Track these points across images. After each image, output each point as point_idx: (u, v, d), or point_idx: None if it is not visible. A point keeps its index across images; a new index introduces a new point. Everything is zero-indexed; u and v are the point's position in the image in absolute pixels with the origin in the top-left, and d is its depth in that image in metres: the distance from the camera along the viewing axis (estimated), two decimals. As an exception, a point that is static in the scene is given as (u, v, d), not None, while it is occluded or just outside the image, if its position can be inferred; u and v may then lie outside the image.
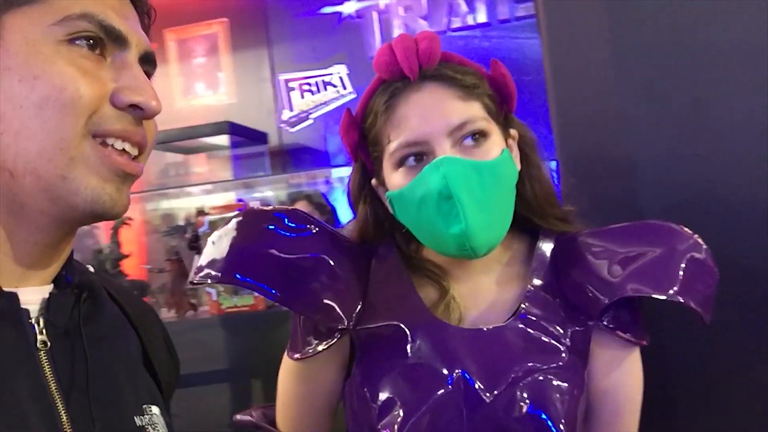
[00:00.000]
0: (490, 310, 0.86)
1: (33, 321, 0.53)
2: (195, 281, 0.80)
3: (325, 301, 0.80)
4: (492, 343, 0.81)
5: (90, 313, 0.57)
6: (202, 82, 4.06)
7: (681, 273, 0.79)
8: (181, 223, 2.07)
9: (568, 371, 0.80)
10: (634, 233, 0.86)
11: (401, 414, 0.76)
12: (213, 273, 0.78)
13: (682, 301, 0.78)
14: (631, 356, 0.86)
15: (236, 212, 0.86)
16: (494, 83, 0.85)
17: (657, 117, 1.11)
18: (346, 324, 0.81)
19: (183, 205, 2.97)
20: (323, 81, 3.94)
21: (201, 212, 1.66)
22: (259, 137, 3.45)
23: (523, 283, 0.86)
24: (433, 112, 0.78)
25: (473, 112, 0.80)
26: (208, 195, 3.16)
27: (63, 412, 0.51)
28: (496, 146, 0.81)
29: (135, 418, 0.57)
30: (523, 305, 0.84)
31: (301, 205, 2.35)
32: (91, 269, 0.64)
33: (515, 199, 0.86)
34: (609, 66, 1.14)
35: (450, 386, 0.78)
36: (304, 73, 3.92)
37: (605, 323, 0.84)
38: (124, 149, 0.54)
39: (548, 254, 0.88)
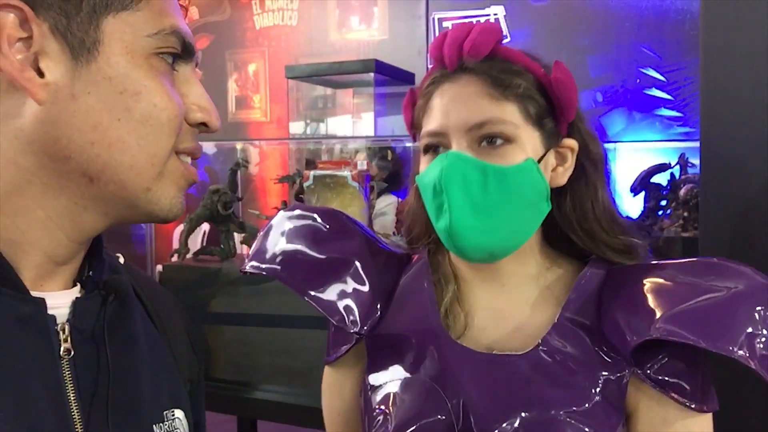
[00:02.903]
0: (514, 334, 0.78)
1: (59, 328, 0.53)
2: (243, 270, 0.84)
3: (346, 303, 0.80)
4: (502, 371, 0.74)
5: (115, 316, 0.57)
6: (356, 16, 4.04)
7: (739, 323, 0.66)
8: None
9: (593, 419, 0.70)
10: (696, 271, 0.72)
11: (390, 429, 0.74)
12: (256, 264, 0.82)
13: (730, 355, 0.65)
14: (691, 422, 0.72)
15: (283, 209, 0.89)
16: (551, 87, 0.76)
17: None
18: (359, 328, 0.80)
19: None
20: (478, 22, 3.77)
21: (310, 164, 1.66)
22: (406, 77, 3.39)
23: (559, 311, 0.77)
24: (457, 106, 0.75)
25: (500, 113, 0.74)
26: (352, 140, 3.20)
27: (79, 423, 0.52)
28: (521, 153, 0.74)
29: (154, 426, 0.58)
30: (548, 335, 0.74)
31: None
32: (121, 259, 0.64)
33: (559, 217, 0.80)
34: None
35: (444, 414, 0.72)
36: (459, 12, 3.78)
37: (648, 373, 0.71)
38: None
39: (594, 285, 0.77)
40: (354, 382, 0.85)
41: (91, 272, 0.57)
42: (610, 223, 0.80)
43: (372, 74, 3.35)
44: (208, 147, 3.16)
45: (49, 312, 0.52)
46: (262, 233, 0.86)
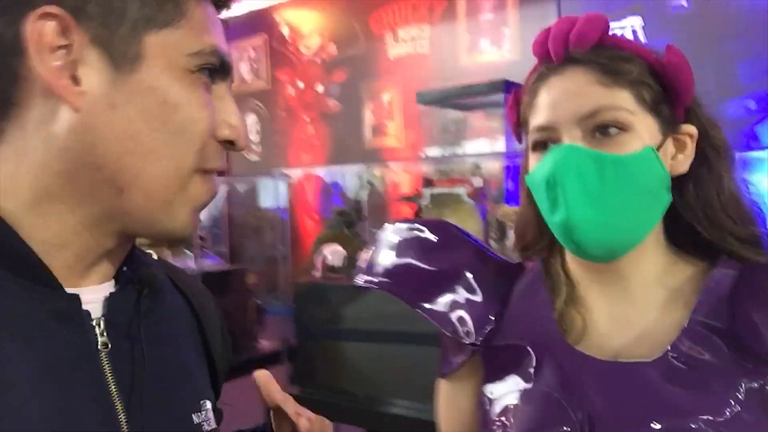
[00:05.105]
0: (640, 340, 0.73)
1: (94, 323, 0.54)
2: (356, 284, 0.86)
3: (459, 314, 0.79)
4: (629, 380, 0.69)
5: (150, 310, 0.58)
6: (487, 38, 4.06)
7: None
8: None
9: (736, 429, 0.64)
10: None
11: None
12: (368, 278, 0.84)
13: None
14: None
15: (395, 222, 0.91)
16: (664, 72, 0.72)
17: None
18: (474, 339, 0.79)
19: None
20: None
21: (428, 183, 1.68)
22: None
23: (688, 314, 0.72)
24: (566, 98, 0.72)
25: (613, 100, 0.71)
26: (483, 158, 3.19)
27: (122, 415, 0.53)
28: (638, 141, 0.71)
29: (193, 416, 0.59)
30: (677, 341, 0.70)
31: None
32: (155, 256, 0.65)
33: (681, 207, 0.75)
34: None
35: (569, 426, 0.69)
36: (593, 27, 3.67)
37: None
38: None
39: (726, 286, 0.72)
40: (470, 394, 0.84)
41: (125, 267, 0.58)
42: (736, 211, 0.75)
43: (502, 95, 3.33)
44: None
45: (84, 307, 0.53)
46: (373, 247, 0.88)
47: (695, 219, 0.75)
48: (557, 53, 0.74)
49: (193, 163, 0.53)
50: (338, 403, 1.90)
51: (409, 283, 0.81)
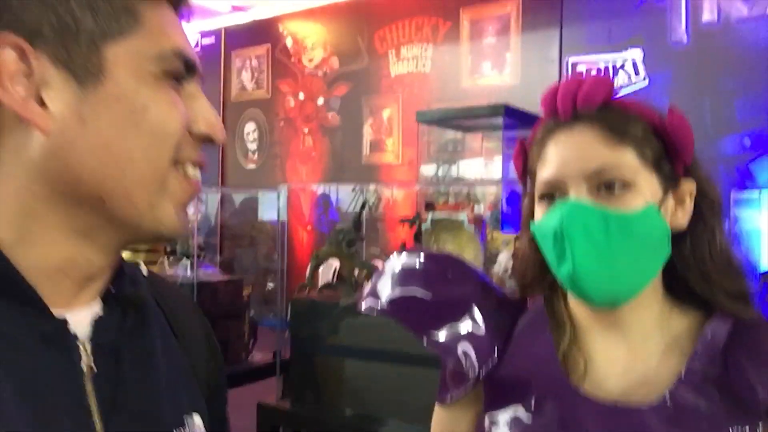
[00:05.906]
0: (638, 385, 0.77)
1: (81, 345, 0.54)
2: (358, 310, 0.88)
3: (463, 346, 0.82)
4: (628, 423, 0.73)
5: (134, 329, 0.59)
6: (489, 62, 4.11)
7: None
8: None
9: None
10: None
11: None
12: (371, 304, 0.86)
13: None
14: None
15: (404, 250, 0.93)
16: (666, 132, 0.76)
17: None
18: (476, 371, 0.81)
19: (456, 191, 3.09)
20: (614, 65, 3.71)
21: (430, 206, 1.71)
22: (536, 121, 3.38)
23: (685, 363, 0.75)
24: (573, 155, 0.77)
25: (618, 158, 0.75)
26: (479, 186, 3.23)
27: None
28: (640, 198, 0.75)
29: (174, 430, 0.59)
30: (674, 388, 0.73)
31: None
32: (143, 268, 0.66)
33: (677, 260, 0.79)
34: None
35: None
36: (594, 56, 3.74)
37: None
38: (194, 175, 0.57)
39: (721, 337, 0.76)
40: (468, 423, 0.87)
41: (112, 287, 0.58)
42: (726, 266, 0.79)
43: (501, 119, 3.38)
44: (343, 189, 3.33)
45: (72, 330, 0.53)
46: (378, 274, 0.89)
47: (688, 271, 0.80)
48: (565, 110, 0.78)
49: (169, 161, 0.53)
50: (329, 420, 1.90)
51: (414, 313, 0.84)
